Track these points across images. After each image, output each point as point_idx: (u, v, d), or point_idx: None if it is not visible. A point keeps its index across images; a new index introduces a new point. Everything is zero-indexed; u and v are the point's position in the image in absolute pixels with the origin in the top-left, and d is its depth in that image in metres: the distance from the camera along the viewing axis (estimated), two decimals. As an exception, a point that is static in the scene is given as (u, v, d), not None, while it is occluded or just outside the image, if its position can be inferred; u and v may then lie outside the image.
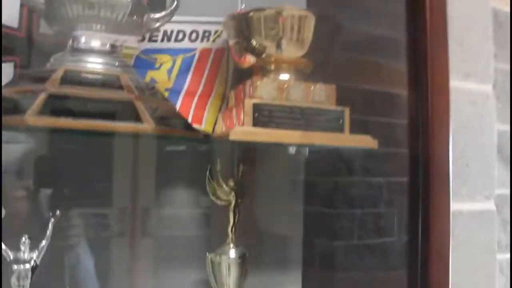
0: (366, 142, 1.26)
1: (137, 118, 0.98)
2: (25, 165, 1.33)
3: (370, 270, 1.62)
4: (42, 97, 0.90)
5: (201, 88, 1.38)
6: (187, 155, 1.48)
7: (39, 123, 0.88)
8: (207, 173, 1.37)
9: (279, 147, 1.28)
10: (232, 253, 1.38)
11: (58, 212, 1.08)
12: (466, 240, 1.35)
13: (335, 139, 1.23)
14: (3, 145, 1.28)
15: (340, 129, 1.23)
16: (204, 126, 1.34)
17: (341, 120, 1.24)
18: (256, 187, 1.57)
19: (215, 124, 1.37)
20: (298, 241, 1.64)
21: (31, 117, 0.87)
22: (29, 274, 1.03)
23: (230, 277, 1.37)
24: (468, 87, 1.40)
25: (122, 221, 1.42)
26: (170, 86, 1.36)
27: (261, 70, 1.28)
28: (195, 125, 1.31)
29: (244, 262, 1.39)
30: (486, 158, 1.40)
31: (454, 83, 1.38)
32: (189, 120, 1.31)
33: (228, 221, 1.40)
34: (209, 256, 1.37)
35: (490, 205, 1.42)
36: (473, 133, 1.38)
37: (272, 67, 1.28)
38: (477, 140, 1.38)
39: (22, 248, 1.03)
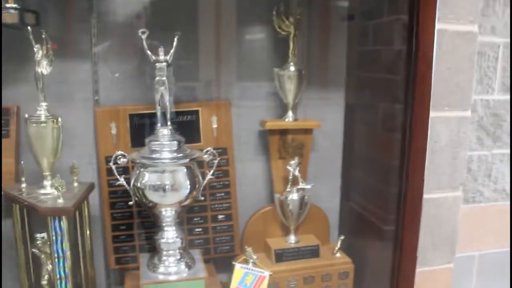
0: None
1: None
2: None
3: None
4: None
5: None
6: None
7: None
8: (274, 12, 1.94)
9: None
10: (292, 68, 1.98)
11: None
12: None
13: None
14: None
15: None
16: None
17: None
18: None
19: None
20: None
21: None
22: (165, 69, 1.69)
23: (291, 85, 1.98)
24: None
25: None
26: None
27: None
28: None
29: (300, 75, 1.99)
30: None
31: None
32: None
33: (289, 47, 1.98)
34: (276, 70, 1.98)
35: None
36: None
37: None
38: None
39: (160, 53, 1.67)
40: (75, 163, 1.75)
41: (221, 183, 1.98)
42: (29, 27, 1.63)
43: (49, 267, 1.75)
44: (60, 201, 1.61)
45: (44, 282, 1.78)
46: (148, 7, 1.93)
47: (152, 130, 1.84)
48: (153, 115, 1.89)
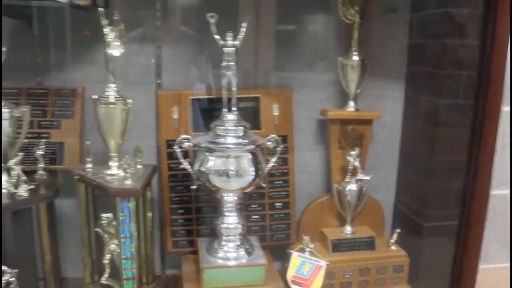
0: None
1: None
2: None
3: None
4: None
5: None
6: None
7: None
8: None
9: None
10: (356, 57, 1.95)
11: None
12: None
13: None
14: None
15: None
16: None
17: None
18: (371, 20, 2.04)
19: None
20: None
21: None
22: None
23: (354, 75, 1.96)
24: None
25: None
26: None
27: None
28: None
29: (363, 65, 1.96)
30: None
31: None
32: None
33: (352, 37, 1.96)
34: (340, 59, 1.96)
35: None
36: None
37: None
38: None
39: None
40: (140, 146, 1.76)
41: (280, 170, 1.98)
42: (100, 8, 1.63)
43: (112, 246, 1.77)
44: (128, 182, 1.62)
45: (105, 261, 1.80)
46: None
47: (214, 115, 1.85)
48: (215, 100, 1.90)
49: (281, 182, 1.99)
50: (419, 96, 2.08)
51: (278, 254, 2.01)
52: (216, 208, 1.87)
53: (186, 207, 1.95)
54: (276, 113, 1.96)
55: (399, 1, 2.09)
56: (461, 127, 1.90)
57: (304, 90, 2.02)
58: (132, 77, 1.90)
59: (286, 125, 1.98)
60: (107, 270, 1.80)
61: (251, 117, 1.93)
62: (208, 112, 1.92)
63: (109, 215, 1.70)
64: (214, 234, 1.85)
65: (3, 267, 1.67)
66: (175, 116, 1.91)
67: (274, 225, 2.01)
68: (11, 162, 1.59)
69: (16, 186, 1.60)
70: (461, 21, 1.87)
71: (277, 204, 2.00)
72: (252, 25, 1.93)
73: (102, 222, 1.72)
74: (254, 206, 1.99)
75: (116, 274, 1.78)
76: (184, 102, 1.91)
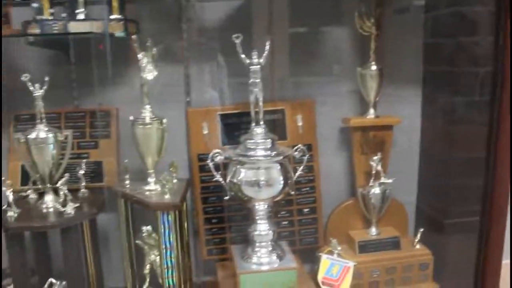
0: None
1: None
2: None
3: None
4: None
5: None
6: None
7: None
8: (356, 13, 2.01)
9: None
10: (374, 67, 2.05)
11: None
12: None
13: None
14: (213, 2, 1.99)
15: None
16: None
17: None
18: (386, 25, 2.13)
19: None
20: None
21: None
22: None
23: (373, 83, 2.05)
24: None
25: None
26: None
27: None
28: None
29: (381, 74, 2.05)
30: None
31: None
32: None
33: (370, 47, 2.05)
34: (358, 69, 2.06)
35: None
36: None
37: None
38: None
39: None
40: (174, 161, 1.87)
41: (306, 178, 2.07)
42: (133, 36, 1.75)
43: (152, 257, 1.88)
44: (167, 196, 1.73)
45: (146, 272, 1.91)
46: (236, 11, 2.02)
47: (241, 129, 1.96)
48: (242, 114, 2.01)
49: (307, 188, 2.09)
50: (436, 96, 2.16)
51: (307, 257, 2.11)
52: (247, 216, 1.98)
53: (218, 217, 2.06)
54: (300, 123, 2.06)
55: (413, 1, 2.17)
56: (479, 124, 1.96)
57: (326, 100, 2.12)
58: (162, 96, 2.00)
59: (310, 134, 2.08)
60: (147, 280, 1.92)
61: (277, 128, 2.02)
62: (235, 126, 2.03)
63: (149, 227, 1.82)
64: (247, 241, 1.95)
65: (52, 280, 1.80)
66: (205, 131, 2.02)
67: (302, 230, 2.11)
68: (59, 183, 1.71)
69: (64, 205, 1.72)
70: (475, 19, 1.94)
71: (305, 210, 2.10)
72: (274, 39, 2.02)
73: (143, 234, 1.84)
74: (283, 212, 2.09)
75: (155, 283, 1.90)
76: (212, 118, 2.02)
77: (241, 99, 2.01)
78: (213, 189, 2.03)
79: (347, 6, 2.08)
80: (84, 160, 1.88)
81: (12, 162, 1.95)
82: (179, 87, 2.04)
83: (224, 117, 2.03)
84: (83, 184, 1.87)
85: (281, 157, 1.79)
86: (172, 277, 1.76)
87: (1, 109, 1.92)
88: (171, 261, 1.74)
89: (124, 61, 1.97)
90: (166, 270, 1.75)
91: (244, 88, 1.94)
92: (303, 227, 2.11)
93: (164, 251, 1.73)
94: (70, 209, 1.72)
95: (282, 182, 1.80)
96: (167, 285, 1.77)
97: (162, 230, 1.71)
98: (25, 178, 1.90)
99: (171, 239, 1.72)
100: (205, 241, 2.06)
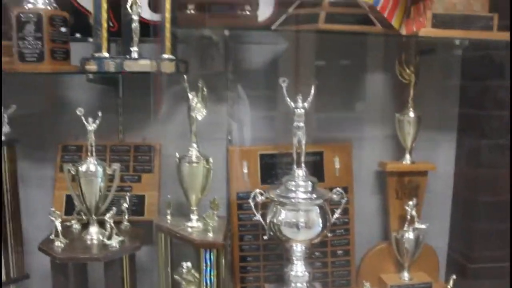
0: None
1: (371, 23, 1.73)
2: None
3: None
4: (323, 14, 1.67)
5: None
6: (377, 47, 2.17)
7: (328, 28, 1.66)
8: (396, 61, 2.07)
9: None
10: (412, 114, 2.10)
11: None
12: None
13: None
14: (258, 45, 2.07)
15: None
16: (393, 22, 1.94)
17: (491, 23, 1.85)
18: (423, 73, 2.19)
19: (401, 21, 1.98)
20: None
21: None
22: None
23: (410, 129, 2.10)
24: None
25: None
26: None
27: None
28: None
29: (419, 120, 2.10)
30: None
31: None
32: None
33: (409, 94, 2.10)
34: (397, 115, 2.11)
35: None
36: None
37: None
38: None
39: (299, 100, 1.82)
40: (216, 199, 1.91)
41: (341, 220, 2.10)
42: (185, 76, 1.82)
43: (188, 293, 1.90)
44: (210, 234, 1.77)
45: (181, 307, 1.93)
46: (280, 55, 2.09)
47: (281, 169, 2.01)
48: (282, 155, 2.06)
49: (342, 230, 2.12)
50: (469, 139, 2.21)
51: (339, 299, 2.12)
52: (281, 256, 2.01)
53: (254, 255, 2.08)
54: (337, 166, 2.10)
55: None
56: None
57: (362, 144, 2.17)
58: (204, 134, 2.04)
59: (347, 177, 2.12)
60: (184, 315, 1.93)
61: (315, 169, 2.06)
62: (275, 166, 2.07)
63: (189, 264, 1.84)
64: (281, 281, 1.98)
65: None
66: (245, 170, 2.06)
67: (335, 271, 2.14)
68: (106, 216, 1.75)
69: (109, 237, 1.76)
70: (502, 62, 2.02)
71: (338, 252, 2.13)
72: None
73: (182, 270, 1.86)
74: (317, 253, 2.11)
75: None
76: (253, 157, 2.07)
77: (282, 140, 2.06)
78: (250, 228, 2.06)
79: (387, 53, 2.13)
80: (129, 194, 1.91)
81: (58, 191, 2.00)
82: (220, 125, 2.09)
83: (264, 156, 2.08)
84: (126, 217, 1.91)
85: (321, 201, 1.83)
86: (211, 314, 1.77)
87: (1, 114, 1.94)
88: (210, 298, 1.77)
89: (169, 98, 2.03)
90: (205, 307, 1.77)
91: (285, 129, 2.00)
92: (336, 268, 2.13)
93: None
94: (115, 242, 1.75)
95: (321, 224, 1.83)
96: (205, 322, 1.78)
97: (204, 267, 1.74)
98: (69, 208, 1.94)
99: (212, 276, 1.75)
100: (240, 279, 2.08)
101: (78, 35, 1.95)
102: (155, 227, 1.90)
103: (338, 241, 2.12)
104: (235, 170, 2.07)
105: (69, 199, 1.97)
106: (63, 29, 1.77)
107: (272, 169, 2.07)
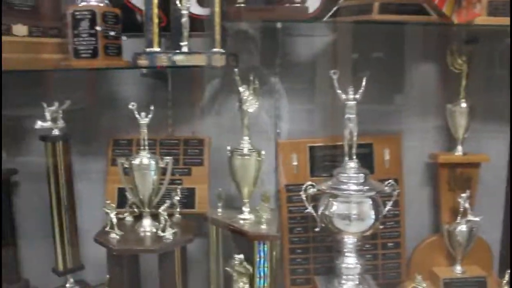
0: None
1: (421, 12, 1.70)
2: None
3: None
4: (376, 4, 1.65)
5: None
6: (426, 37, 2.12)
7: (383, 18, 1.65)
8: (448, 51, 2.03)
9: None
10: (464, 104, 2.05)
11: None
12: None
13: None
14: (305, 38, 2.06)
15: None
16: (445, 9, 1.89)
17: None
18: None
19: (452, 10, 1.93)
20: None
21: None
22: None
23: (462, 120, 2.06)
24: None
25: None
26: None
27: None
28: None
29: (471, 111, 2.06)
30: None
31: None
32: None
33: (460, 84, 2.06)
34: (448, 106, 2.06)
35: None
36: None
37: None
38: None
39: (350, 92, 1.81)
40: (267, 192, 1.91)
41: (391, 212, 2.07)
42: (235, 69, 1.82)
43: (240, 285, 1.91)
44: (264, 227, 1.77)
45: (233, 299, 1.94)
46: (330, 47, 2.08)
47: (330, 161, 2.00)
48: (331, 147, 2.05)
49: (392, 223, 2.09)
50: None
51: (387, 292, 2.11)
52: (331, 248, 2.00)
53: (304, 247, 2.08)
54: (387, 157, 2.08)
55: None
56: None
57: (412, 135, 2.13)
58: (253, 127, 2.05)
59: (397, 169, 2.09)
60: (233, 307, 1.95)
61: (365, 161, 2.04)
62: (324, 158, 2.06)
63: (241, 256, 1.85)
64: (330, 273, 1.98)
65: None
66: (294, 162, 2.06)
67: (385, 264, 2.11)
68: (161, 209, 1.77)
69: (163, 230, 1.78)
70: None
71: (389, 244, 2.11)
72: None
73: (235, 262, 1.87)
74: (367, 246, 2.09)
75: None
76: (302, 150, 2.06)
77: (330, 133, 2.05)
78: (299, 220, 2.06)
79: (439, 42, 2.09)
80: (180, 187, 1.93)
81: (110, 184, 2.04)
82: (268, 118, 2.09)
83: (313, 149, 2.07)
84: (178, 210, 1.93)
85: (374, 193, 1.82)
86: (265, 306, 1.78)
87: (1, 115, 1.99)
88: (264, 290, 1.77)
89: (218, 92, 2.04)
90: (259, 298, 1.78)
91: (334, 122, 1.99)
92: (386, 261, 2.11)
93: (258, 280, 1.77)
94: (169, 234, 1.78)
95: (373, 216, 1.82)
96: (258, 313, 1.79)
97: (258, 259, 1.75)
98: (122, 201, 1.97)
99: (265, 268, 1.76)
100: (289, 271, 2.09)
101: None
102: (207, 220, 1.91)
103: (388, 233, 2.10)
104: (284, 163, 2.07)
105: (121, 192, 2.00)
106: (115, 26, 1.79)
107: (321, 162, 2.06)
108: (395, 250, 2.12)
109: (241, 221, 1.86)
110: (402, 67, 2.14)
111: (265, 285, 1.78)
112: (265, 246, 1.75)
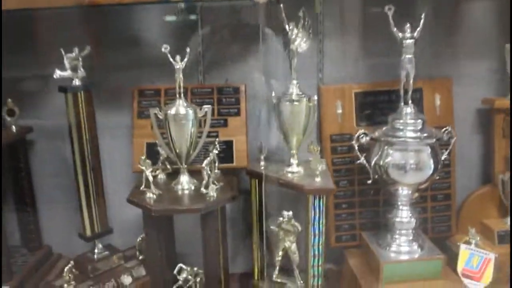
0: None
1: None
2: None
3: None
4: None
5: None
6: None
7: None
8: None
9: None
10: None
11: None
12: None
13: None
14: None
15: None
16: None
17: None
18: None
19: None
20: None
21: None
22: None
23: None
24: None
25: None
26: None
27: None
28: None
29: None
30: None
31: None
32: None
33: (517, 21, 1.88)
34: (507, 46, 1.89)
35: None
36: None
37: None
38: None
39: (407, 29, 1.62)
40: (314, 143, 1.74)
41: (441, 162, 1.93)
42: (281, 5, 1.62)
43: (287, 244, 1.76)
44: (318, 180, 1.61)
45: (278, 258, 1.80)
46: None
47: (378, 109, 1.84)
48: (378, 93, 1.88)
49: (442, 173, 1.95)
50: None
51: (438, 245, 1.98)
52: (378, 203, 1.86)
53: (349, 201, 1.94)
54: (438, 103, 1.92)
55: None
56: None
57: (463, 79, 1.97)
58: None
59: (447, 116, 1.94)
60: (277, 268, 1.81)
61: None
62: (372, 105, 1.90)
63: (290, 213, 1.70)
64: (378, 228, 1.84)
65: (182, 266, 1.70)
66: (339, 110, 1.89)
67: (435, 217, 1.98)
68: (204, 163, 1.60)
69: (206, 186, 1.61)
70: None
71: (439, 196, 1.97)
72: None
73: (283, 219, 1.72)
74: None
75: (284, 270, 1.79)
76: (347, 96, 1.88)
77: (377, 78, 1.88)
78: (344, 173, 1.90)
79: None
80: (217, 139, 1.75)
81: (137, 139, 1.85)
82: (312, 63, 1.90)
83: (359, 95, 1.90)
84: (217, 164, 1.75)
85: (433, 140, 1.67)
86: (318, 266, 1.64)
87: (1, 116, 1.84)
88: (318, 249, 1.63)
89: (254, 34, 1.83)
90: (312, 258, 1.63)
91: (381, 67, 1.82)
92: (436, 214, 1.99)
93: (312, 237, 1.62)
94: (212, 191, 1.61)
95: (432, 166, 1.68)
96: (311, 274, 1.65)
97: (312, 215, 1.60)
98: (151, 157, 1.78)
99: (321, 225, 1.61)
100: (334, 227, 1.94)
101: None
102: (250, 174, 1.74)
103: (438, 184, 1.96)
104: (328, 111, 1.90)
105: (150, 147, 1.82)
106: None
107: (368, 109, 1.89)
108: (445, 202, 1.99)
109: (289, 175, 1.69)
110: (452, 4, 1.94)
111: (321, 242, 1.63)
112: (321, 200, 1.59)
